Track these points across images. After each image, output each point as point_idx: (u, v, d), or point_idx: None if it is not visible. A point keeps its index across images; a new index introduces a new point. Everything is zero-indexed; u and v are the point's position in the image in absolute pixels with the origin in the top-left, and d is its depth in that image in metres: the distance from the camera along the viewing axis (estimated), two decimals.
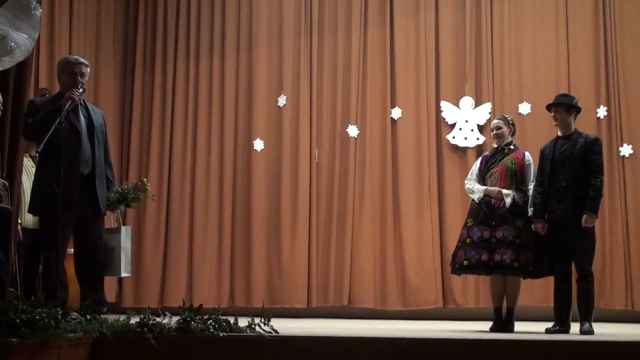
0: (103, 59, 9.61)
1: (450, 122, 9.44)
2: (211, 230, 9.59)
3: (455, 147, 9.38)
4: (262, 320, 4.84)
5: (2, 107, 5.55)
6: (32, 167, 6.50)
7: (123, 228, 6.09)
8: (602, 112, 9.12)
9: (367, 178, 9.48)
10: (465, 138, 9.36)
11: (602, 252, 8.65)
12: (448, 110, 9.45)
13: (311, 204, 9.50)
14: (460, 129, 9.39)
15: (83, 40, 9.19)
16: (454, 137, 9.39)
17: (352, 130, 9.52)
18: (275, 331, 4.78)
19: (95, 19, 9.51)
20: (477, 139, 9.33)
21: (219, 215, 9.62)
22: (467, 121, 9.38)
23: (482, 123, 9.27)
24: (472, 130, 9.36)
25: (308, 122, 9.64)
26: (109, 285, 8.85)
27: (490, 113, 9.25)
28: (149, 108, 9.90)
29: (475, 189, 6.67)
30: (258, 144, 9.64)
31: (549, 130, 8.19)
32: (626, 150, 9.04)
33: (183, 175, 9.71)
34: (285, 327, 5.08)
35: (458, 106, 9.44)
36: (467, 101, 9.41)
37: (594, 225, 6.15)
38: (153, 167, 9.73)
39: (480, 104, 9.40)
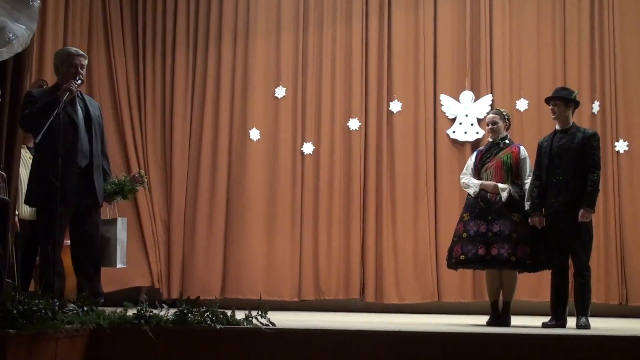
0: (101, 49, 9.58)
1: (450, 117, 9.45)
2: (205, 221, 9.58)
3: (454, 141, 9.39)
4: (259, 312, 4.84)
5: None
6: (30, 158, 6.48)
7: (119, 219, 6.10)
8: (596, 107, 9.13)
9: (365, 171, 9.49)
10: (465, 132, 9.37)
11: (596, 247, 8.65)
12: (448, 104, 9.45)
13: (304, 196, 9.50)
14: (461, 123, 9.40)
15: (79, 32, 9.20)
16: (454, 132, 9.39)
17: (353, 123, 9.52)
18: (273, 324, 4.79)
19: (88, 9, 9.47)
20: (477, 132, 9.33)
21: (210, 205, 9.61)
22: (467, 115, 9.39)
23: (481, 117, 9.26)
24: (472, 124, 9.37)
25: (306, 114, 9.65)
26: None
27: (490, 106, 9.25)
28: (145, 97, 9.85)
29: (471, 184, 6.67)
30: (254, 134, 9.63)
31: (547, 125, 8.21)
32: (621, 146, 9.05)
33: (183, 164, 9.70)
34: (282, 320, 5.08)
35: (458, 100, 9.44)
36: (467, 95, 9.41)
37: (591, 220, 6.16)
38: (151, 156, 9.70)
39: (480, 98, 9.41)
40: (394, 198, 9.40)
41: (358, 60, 9.65)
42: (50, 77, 7.30)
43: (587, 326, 5.93)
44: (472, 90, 9.45)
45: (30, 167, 6.13)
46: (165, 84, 9.84)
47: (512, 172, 6.60)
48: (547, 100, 6.49)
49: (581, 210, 6.06)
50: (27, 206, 6.22)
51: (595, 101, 9.14)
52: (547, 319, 6.20)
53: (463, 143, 9.38)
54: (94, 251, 5.88)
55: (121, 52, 9.78)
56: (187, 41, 9.87)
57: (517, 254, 6.32)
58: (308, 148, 9.58)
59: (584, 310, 6.04)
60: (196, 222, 9.57)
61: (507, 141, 6.75)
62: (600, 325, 6.25)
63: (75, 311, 4.62)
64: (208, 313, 4.81)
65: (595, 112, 9.14)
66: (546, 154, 6.32)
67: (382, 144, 9.50)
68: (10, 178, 5.91)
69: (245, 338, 4.72)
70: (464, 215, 6.63)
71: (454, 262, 6.62)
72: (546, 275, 6.51)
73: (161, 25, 9.92)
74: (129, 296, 8.29)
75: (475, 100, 9.42)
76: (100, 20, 9.62)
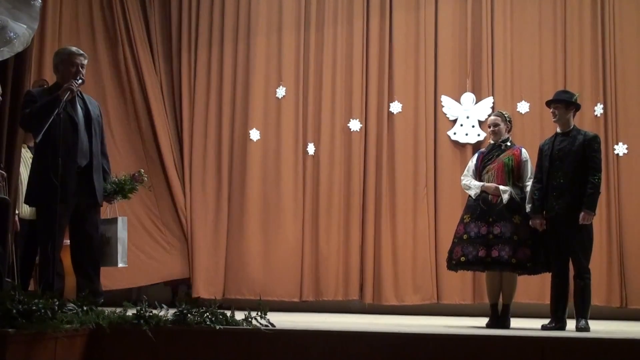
0: (103, 51, 9.56)
1: (451, 118, 9.44)
2: (206, 221, 9.56)
3: (454, 143, 9.39)
4: (259, 313, 4.84)
5: (0, 98, 5.55)
6: (31, 157, 6.48)
7: (119, 219, 6.09)
8: (598, 110, 9.14)
9: (365, 172, 9.49)
10: (467, 134, 9.36)
11: (597, 249, 8.64)
12: (449, 106, 9.45)
13: (304, 197, 9.50)
14: (462, 125, 9.39)
15: (77, 31, 9.22)
16: (455, 134, 9.39)
17: (354, 124, 9.51)
18: (272, 324, 4.79)
19: (90, 8, 9.47)
20: (478, 135, 9.33)
21: (212, 205, 9.59)
22: (468, 117, 9.38)
23: (483, 119, 9.27)
24: (473, 126, 9.36)
25: (306, 114, 9.64)
26: None
27: (491, 108, 9.26)
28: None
29: (472, 185, 6.67)
30: (254, 134, 9.61)
31: (548, 127, 8.23)
32: (621, 149, 9.06)
33: (186, 163, 9.67)
34: (281, 320, 5.08)
35: (459, 102, 9.44)
36: (468, 97, 9.41)
37: (591, 223, 6.16)
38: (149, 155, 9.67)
39: (481, 100, 9.41)
40: (394, 199, 9.39)
41: (359, 61, 9.65)
42: (49, 77, 7.30)
43: (587, 329, 5.93)
44: (473, 92, 9.45)
45: (30, 167, 6.12)
46: (173, 83, 9.81)
47: (514, 174, 6.59)
48: (548, 104, 6.50)
49: (582, 213, 6.07)
50: (27, 206, 6.22)
51: (599, 104, 9.14)
52: (546, 321, 6.20)
53: (464, 145, 9.37)
54: (94, 251, 5.88)
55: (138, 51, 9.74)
56: (189, 41, 9.83)
57: (518, 256, 6.32)
58: (308, 149, 9.57)
59: (583, 313, 6.05)
60: (198, 222, 9.55)
61: (508, 143, 6.74)
62: (600, 328, 6.25)
63: (75, 311, 4.62)
64: (207, 313, 4.81)
65: (599, 115, 9.14)
66: (547, 156, 6.32)
67: (383, 145, 9.49)
68: (11, 177, 5.91)
69: (245, 338, 4.72)
70: (465, 216, 6.63)
71: (454, 264, 6.62)
72: (546, 278, 6.52)
73: (167, 25, 9.89)
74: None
75: (476, 102, 9.41)
76: (119, 20, 9.56)
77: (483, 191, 6.57)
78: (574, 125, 6.41)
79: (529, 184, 6.50)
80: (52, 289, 5.00)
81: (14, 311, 4.04)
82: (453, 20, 9.61)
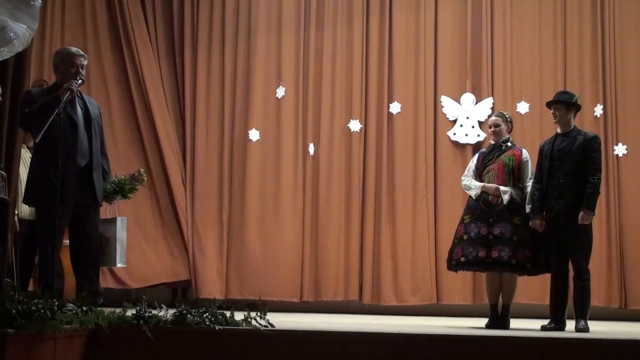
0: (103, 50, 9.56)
1: (451, 119, 9.44)
2: (207, 222, 9.56)
3: (454, 143, 9.38)
4: (258, 313, 4.84)
5: (0, 98, 5.55)
6: (30, 158, 6.48)
7: (119, 219, 6.09)
8: (598, 111, 9.14)
9: (364, 172, 9.48)
10: (466, 135, 9.36)
11: (597, 250, 8.64)
12: (449, 106, 9.45)
13: (304, 197, 9.49)
14: (462, 125, 9.39)
15: (78, 31, 9.22)
16: (454, 134, 9.38)
17: (354, 125, 9.51)
18: (271, 325, 4.79)
19: (91, 9, 9.46)
20: (478, 135, 9.33)
21: (218, 204, 9.59)
22: (468, 117, 9.38)
23: (482, 119, 9.27)
24: (472, 126, 9.36)
25: (306, 114, 9.63)
26: None
27: (491, 109, 9.26)
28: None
29: (473, 186, 6.66)
30: (254, 134, 9.60)
31: (547, 128, 8.23)
32: (620, 149, 9.06)
33: (187, 164, 9.65)
34: (280, 321, 5.08)
35: (459, 102, 9.44)
36: (468, 97, 9.41)
37: (591, 223, 6.16)
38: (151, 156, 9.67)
39: (481, 100, 9.41)
40: (394, 200, 9.39)
41: (359, 62, 9.64)
42: (49, 77, 7.30)
43: (586, 329, 5.93)
44: (473, 92, 9.44)
45: (29, 167, 6.12)
46: (177, 83, 9.80)
47: (514, 174, 6.59)
48: (548, 104, 6.50)
49: (581, 213, 6.07)
50: (27, 206, 6.22)
51: (599, 104, 9.15)
52: (546, 322, 6.20)
53: (464, 145, 9.37)
54: (93, 251, 5.88)
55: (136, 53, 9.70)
56: (192, 42, 9.82)
57: (518, 257, 6.31)
58: (309, 149, 9.56)
59: (583, 314, 6.05)
60: (199, 223, 9.54)
61: (509, 144, 6.74)
62: (599, 329, 6.25)
63: (74, 311, 4.62)
64: (207, 314, 4.81)
65: (598, 116, 9.14)
66: (547, 157, 6.32)
67: (382, 145, 9.49)
68: (10, 178, 5.91)
69: (244, 339, 4.72)
70: (465, 217, 6.62)
71: (454, 264, 6.61)
72: (546, 278, 6.52)
73: (168, 25, 9.87)
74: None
75: (476, 103, 9.41)
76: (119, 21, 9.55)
77: (483, 192, 6.57)
78: (575, 126, 6.40)
79: (529, 184, 6.50)
80: (51, 289, 5.00)
81: (14, 311, 4.04)
82: (453, 21, 9.61)
